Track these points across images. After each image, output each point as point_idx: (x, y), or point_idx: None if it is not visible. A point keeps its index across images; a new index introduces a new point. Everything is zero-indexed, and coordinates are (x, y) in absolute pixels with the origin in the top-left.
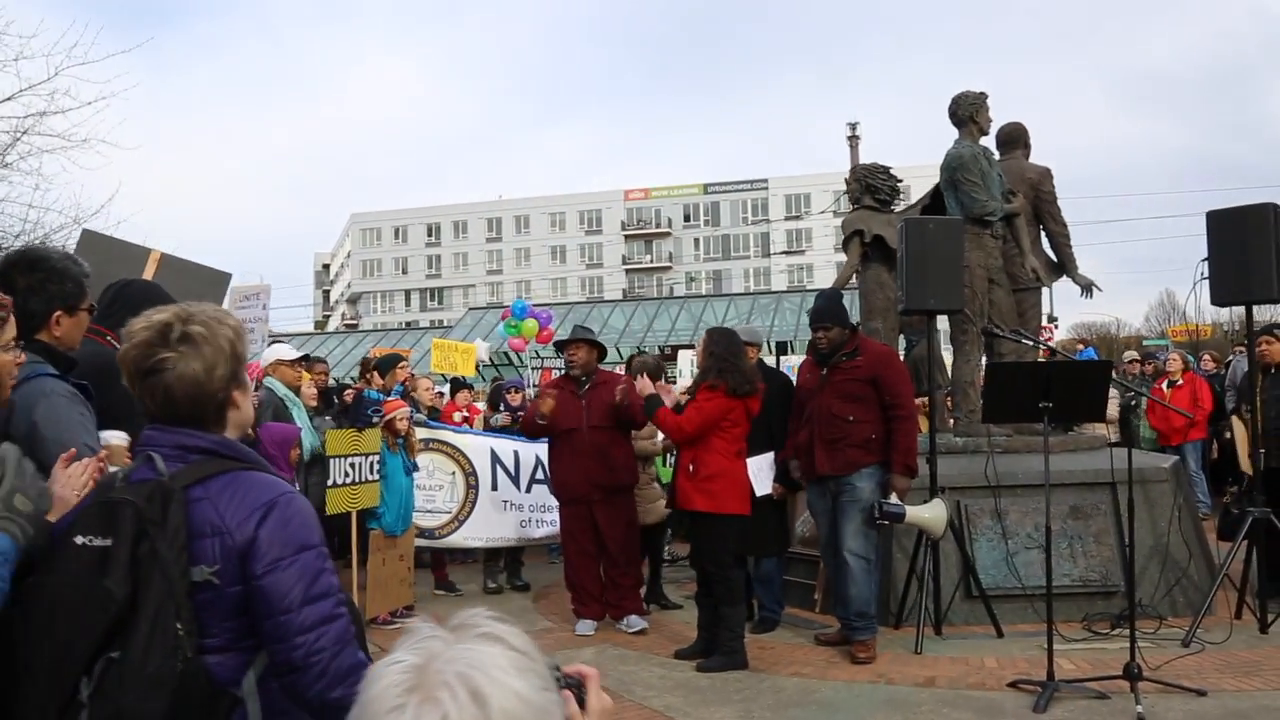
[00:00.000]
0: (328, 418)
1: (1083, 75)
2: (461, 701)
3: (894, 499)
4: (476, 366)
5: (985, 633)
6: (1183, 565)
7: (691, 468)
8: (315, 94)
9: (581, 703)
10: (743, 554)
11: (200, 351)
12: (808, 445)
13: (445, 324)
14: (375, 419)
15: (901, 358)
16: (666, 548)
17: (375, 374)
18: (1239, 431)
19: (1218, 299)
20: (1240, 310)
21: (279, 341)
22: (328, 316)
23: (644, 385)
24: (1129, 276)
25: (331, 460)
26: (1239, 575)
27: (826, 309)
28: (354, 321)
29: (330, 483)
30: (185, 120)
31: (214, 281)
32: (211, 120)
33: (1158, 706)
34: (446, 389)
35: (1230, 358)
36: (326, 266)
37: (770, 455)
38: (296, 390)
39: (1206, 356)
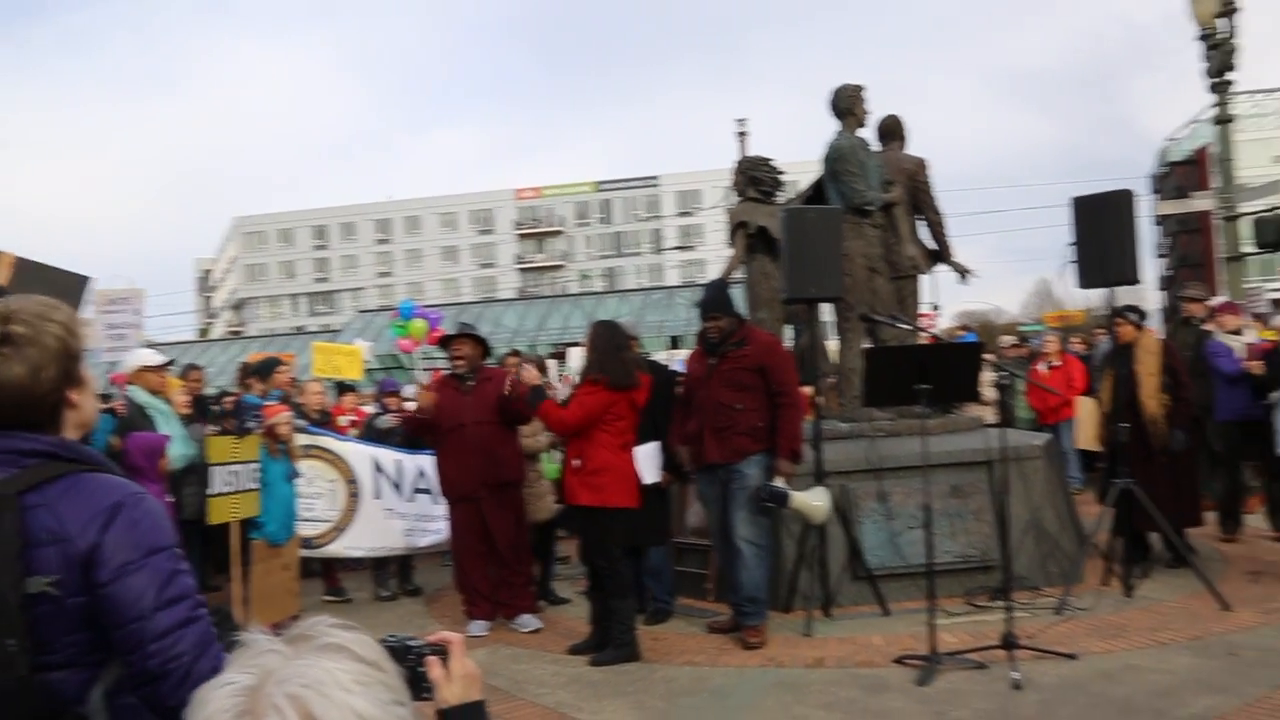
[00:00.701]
0: (207, 425)
1: (959, 70)
2: None
3: (779, 482)
4: (364, 369)
5: (872, 612)
6: (1055, 537)
7: (577, 462)
8: (191, 92)
9: (447, 668)
10: (628, 544)
11: (23, 353)
12: (697, 434)
13: (335, 329)
14: (254, 425)
15: (789, 347)
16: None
17: (255, 379)
18: (1084, 410)
19: (1083, 282)
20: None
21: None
22: (210, 324)
23: (530, 374)
24: (1007, 266)
25: (213, 468)
26: (1107, 544)
27: (715, 299)
28: (239, 328)
29: (212, 491)
30: (52, 119)
31: (72, 285)
32: (80, 119)
33: (1033, 672)
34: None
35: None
36: (208, 272)
37: (656, 444)
38: (167, 398)
39: (1074, 340)
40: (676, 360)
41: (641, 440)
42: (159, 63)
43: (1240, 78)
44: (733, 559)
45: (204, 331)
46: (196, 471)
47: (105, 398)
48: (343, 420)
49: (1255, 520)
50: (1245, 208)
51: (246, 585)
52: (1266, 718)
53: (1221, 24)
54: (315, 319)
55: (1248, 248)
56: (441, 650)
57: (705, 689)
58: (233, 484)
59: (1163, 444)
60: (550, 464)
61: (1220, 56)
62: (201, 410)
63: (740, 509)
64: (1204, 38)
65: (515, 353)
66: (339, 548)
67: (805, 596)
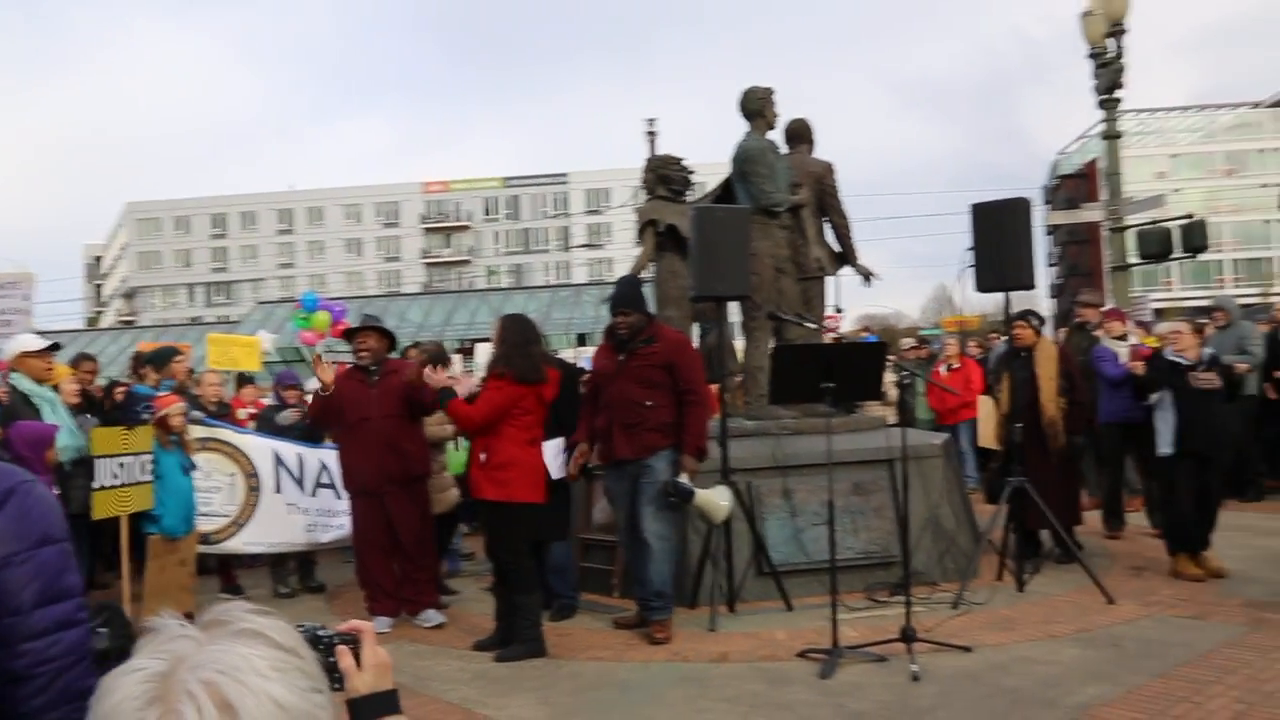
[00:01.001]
0: (88, 415)
1: (866, 79)
2: (207, 714)
3: (684, 478)
4: (263, 361)
5: (776, 607)
6: (952, 534)
7: (483, 457)
8: (83, 73)
9: (358, 658)
10: (532, 540)
11: None
12: (606, 430)
13: (234, 320)
14: (146, 416)
15: (696, 345)
16: (460, 540)
17: (149, 369)
18: (985, 410)
19: (980, 286)
20: (1002, 299)
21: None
22: (100, 312)
23: (435, 378)
24: (908, 271)
25: (98, 460)
26: (1001, 541)
27: (626, 295)
28: (131, 318)
29: (97, 485)
30: None
31: None
32: None
33: (930, 665)
34: (232, 385)
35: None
36: (99, 259)
37: (560, 440)
38: (54, 387)
39: (972, 343)
40: (583, 358)
41: (546, 437)
42: (47, 40)
43: (1127, 96)
44: (640, 554)
45: (93, 320)
46: (86, 464)
47: None
48: (242, 413)
49: (1137, 518)
50: (1131, 220)
51: (138, 581)
52: (1147, 705)
53: (1110, 44)
54: (212, 309)
55: (1133, 259)
56: (352, 639)
57: (611, 684)
58: (121, 476)
59: (1060, 445)
60: (455, 455)
61: (1109, 75)
62: (90, 403)
63: (649, 504)
64: (1094, 56)
65: (416, 344)
66: (238, 544)
67: (710, 592)
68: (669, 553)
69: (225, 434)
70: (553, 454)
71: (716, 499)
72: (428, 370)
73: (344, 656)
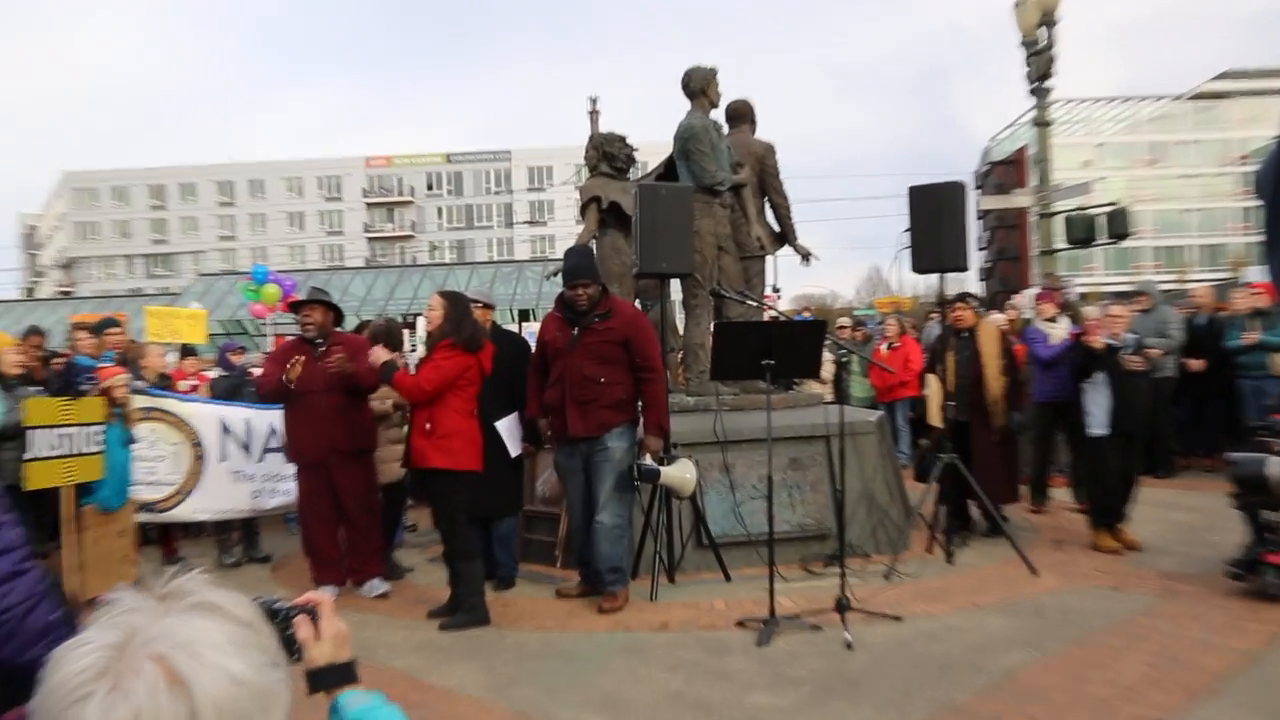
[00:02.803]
0: (28, 388)
1: (809, 64)
2: (158, 688)
3: (648, 459)
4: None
5: (715, 578)
6: (885, 508)
7: (429, 426)
8: (20, 39)
9: (316, 629)
10: (484, 516)
11: None
12: (559, 406)
13: (175, 292)
14: (88, 387)
15: None
16: (405, 512)
17: (86, 334)
18: (933, 388)
19: (916, 267)
20: (936, 281)
21: None
22: (37, 282)
23: (377, 354)
24: (843, 253)
25: (32, 431)
26: (931, 515)
27: (584, 265)
28: (69, 289)
29: (31, 455)
30: None
31: None
32: None
33: (863, 633)
34: (174, 356)
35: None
36: (34, 229)
37: (515, 415)
38: None
39: (909, 324)
40: (528, 333)
41: (499, 408)
42: None
43: (1057, 85)
44: (595, 530)
45: (30, 290)
46: (17, 435)
47: None
48: (183, 384)
49: (1060, 493)
50: (1059, 206)
51: (80, 552)
52: (1068, 670)
53: (1042, 33)
54: (153, 281)
55: (1060, 244)
56: (312, 610)
57: (554, 652)
58: (62, 448)
59: (1002, 423)
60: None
61: (1040, 64)
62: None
63: (604, 483)
64: (1026, 45)
65: (366, 323)
66: (184, 511)
67: (651, 563)
68: (624, 530)
69: (169, 403)
70: (509, 429)
71: (683, 473)
72: (372, 350)
73: (303, 626)
